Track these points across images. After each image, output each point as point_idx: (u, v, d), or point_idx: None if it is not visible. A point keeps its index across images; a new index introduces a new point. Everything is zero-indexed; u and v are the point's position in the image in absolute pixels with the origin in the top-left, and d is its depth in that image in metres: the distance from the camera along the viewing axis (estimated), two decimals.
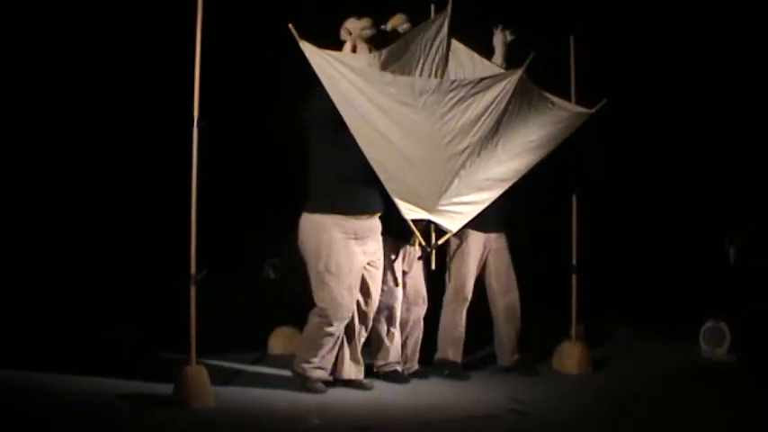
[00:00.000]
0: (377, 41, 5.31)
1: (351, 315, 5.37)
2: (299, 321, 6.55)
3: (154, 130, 6.44)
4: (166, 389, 5.10)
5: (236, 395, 5.31)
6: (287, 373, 5.88)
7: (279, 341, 6.53)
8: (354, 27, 5.33)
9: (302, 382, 5.40)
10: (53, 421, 4.74)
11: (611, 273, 6.55)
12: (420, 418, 5.00)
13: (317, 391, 5.35)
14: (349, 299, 5.32)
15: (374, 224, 5.42)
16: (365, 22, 5.35)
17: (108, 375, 5.52)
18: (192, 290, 5.07)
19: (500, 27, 5.80)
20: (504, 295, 5.97)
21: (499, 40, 5.81)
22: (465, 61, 5.60)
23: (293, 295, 6.66)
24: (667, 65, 6.84)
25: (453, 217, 5.52)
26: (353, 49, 5.35)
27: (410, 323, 5.77)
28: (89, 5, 6.31)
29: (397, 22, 5.46)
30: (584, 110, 5.71)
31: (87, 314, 6.29)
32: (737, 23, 6.20)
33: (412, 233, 5.44)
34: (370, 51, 5.27)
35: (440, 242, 5.60)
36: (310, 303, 5.39)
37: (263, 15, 6.66)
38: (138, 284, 6.41)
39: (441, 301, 5.96)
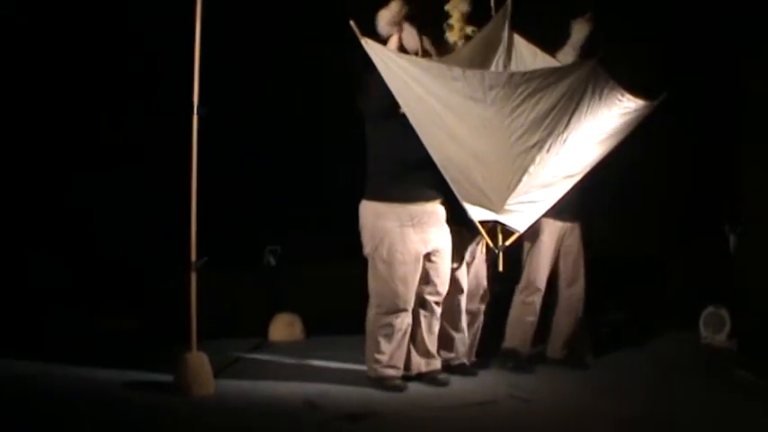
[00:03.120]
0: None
1: (407, 307, 5.23)
2: (298, 308, 6.59)
3: (154, 118, 6.43)
4: (167, 376, 5.12)
5: (236, 382, 5.32)
6: (287, 359, 5.91)
7: (279, 328, 6.55)
8: (389, 16, 5.09)
9: (378, 383, 5.24)
10: (54, 410, 4.76)
11: (611, 259, 6.53)
12: (420, 404, 5.01)
13: (395, 389, 5.21)
14: (403, 289, 5.19)
15: (433, 210, 5.27)
16: (395, 6, 5.11)
17: (109, 363, 5.54)
18: (193, 277, 5.08)
19: (587, 16, 5.62)
20: (570, 287, 5.85)
21: (578, 28, 5.62)
22: (527, 57, 5.50)
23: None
24: (669, 54, 6.82)
25: (521, 216, 5.35)
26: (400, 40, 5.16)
27: (470, 315, 5.66)
28: None
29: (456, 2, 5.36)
30: (646, 102, 5.48)
31: (88, 302, 6.29)
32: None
33: (474, 222, 5.27)
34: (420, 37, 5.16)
35: (508, 243, 5.45)
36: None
37: (263, 1, 6.67)
38: (139, 272, 6.42)
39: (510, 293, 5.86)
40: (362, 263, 5.34)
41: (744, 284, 5.80)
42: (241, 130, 6.75)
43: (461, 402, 5.04)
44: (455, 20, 5.44)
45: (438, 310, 5.39)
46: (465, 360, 5.63)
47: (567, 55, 5.61)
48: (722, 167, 6.63)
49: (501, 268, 5.52)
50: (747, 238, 5.95)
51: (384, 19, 5.11)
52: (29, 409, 4.74)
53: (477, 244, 5.60)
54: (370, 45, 4.90)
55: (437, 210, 5.30)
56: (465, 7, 5.44)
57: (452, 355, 5.59)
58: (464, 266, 5.56)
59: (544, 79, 5.00)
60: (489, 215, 5.26)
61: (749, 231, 5.85)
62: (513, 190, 5.21)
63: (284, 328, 6.54)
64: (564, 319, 5.88)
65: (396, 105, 5.04)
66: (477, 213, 5.22)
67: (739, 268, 6.01)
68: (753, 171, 5.63)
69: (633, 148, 5.62)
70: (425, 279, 5.31)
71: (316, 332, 6.57)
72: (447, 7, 5.48)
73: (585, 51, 5.55)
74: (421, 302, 5.35)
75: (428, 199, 5.26)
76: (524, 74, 5.06)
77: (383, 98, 5.02)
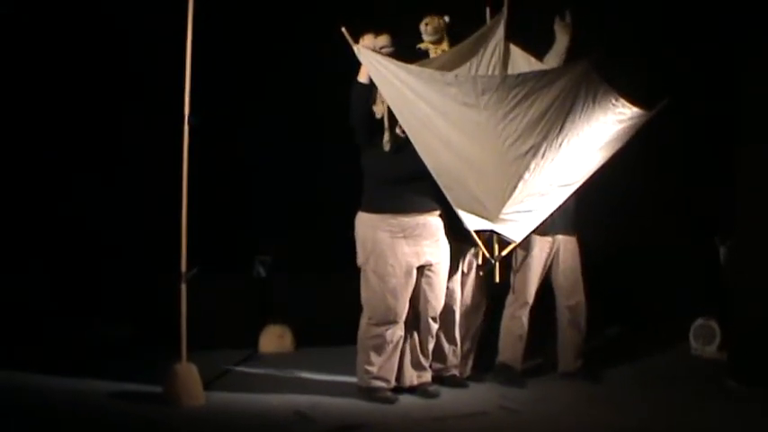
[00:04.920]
0: (396, 58, 5.10)
1: (398, 320, 5.22)
2: (289, 320, 6.57)
3: (145, 127, 6.41)
4: (156, 387, 5.09)
5: (226, 393, 5.30)
6: (277, 371, 5.89)
7: (269, 340, 6.52)
8: (372, 45, 5.10)
9: (367, 394, 5.24)
10: (43, 420, 4.72)
11: (602, 270, 6.53)
12: (410, 415, 5.00)
13: (384, 401, 5.19)
14: (393, 302, 5.18)
15: (426, 222, 5.26)
16: (383, 39, 5.18)
17: (98, 374, 5.51)
18: (183, 288, 5.06)
19: (566, 20, 5.55)
20: (568, 299, 5.80)
21: (559, 34, 5.57)
22: (522, 66, 5.47)
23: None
24: (664, 63, 6.85)
25: (517, 226, 5.30)
26: None
27: (466, 326, 5.66)
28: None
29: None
30: (643, 111, 5.42)
31: (77, 313, 6.26)
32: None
33: (471, 234, 5.25)
34: None
35: (503, 253, 5.41)
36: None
37: (254, 9, 6.66)
38: (129, 283, 6.39)
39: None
40: (354, 274, 5.34)
41: (733, 295, 5.81)
42: (232, 138, 6.73)
43: (452, 414, 5.03)
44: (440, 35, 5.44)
45: (433, 325, 5.36)
46: (456, 371, 5.62)
47: (550, 63, 5.59)
48: (714, 178, 6.64)
49: (498, 279, 5.51)
50: (737, 249, 5.95)
51: (365, 42, 5.10)
52: (17, 418, 4.70)
53: (474, 255, 5.58)
54: (362, 52, 4.91)
55: (431, 221, 5.29)
56: (444, 21, 5.43)
57: (443, 366, 5.58)
58: (459, 277, 5.55)
59: (537, 82, 4.98)
60: (485, 224, 5.23)
61: (739, 242, 5.86)
62: (509, 198, 5.17)
63: (274, 339, 6.52)
64: (568, 332, 5.85)
65: (371, 133, 5.14)
66: (472, 222, 5.19)
67: (729, 279, 6.02)
68: (746, 176, 5.63)
69: (625, 158, 5.61)
70: (420, 293, 5.30)
71: (306, 344, 6.55)
72: (424, 27, 5.44)
73: (571, 56, 5.52)
74: (415, 316, 5.33)
75: (421, 210, 5.25)
76: (517, 77, 5.05)
77: (360, 127, 5.15)
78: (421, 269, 5.28)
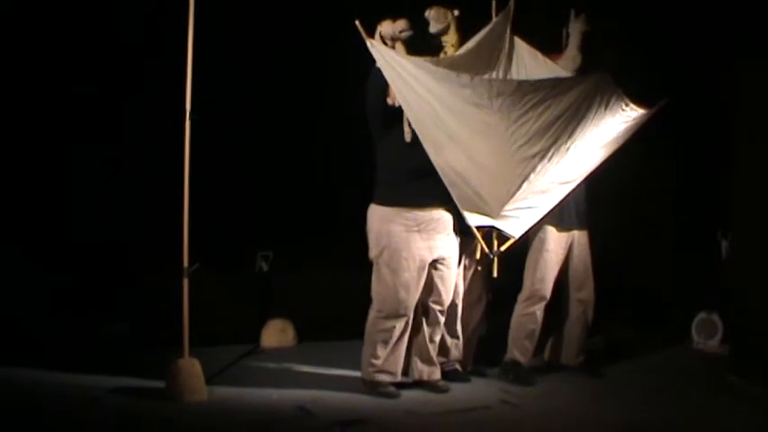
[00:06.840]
0: (415, 43, 5.12)
1: (408, 313, 5.22)
2: (290, 314, 6.58)
3: (146, 124, 6.41)
4: (159, 382, 5.10)
5: (228, 388, 5.30)
6: (279, 366, 5.90)
7: (271, 334, 6.53)
8: (392, 30, 5.11)
9: (371, 387, 5.26)
10: (44, 416, 4.73)
11: (603, 264, 6.53)
12: (413, 410, 5.01)
13: (387, 395, 5.20)
14: (405, 295, 5.17)
15: (440, 217, 5.25)
16: (402, 23, 5.15)
17: (100, 370, 5.51)
18: (185, 283, 5.06)
19: (579, 14, 5.56)
20: (579, 292, 5.81)
21: (576, 27, 5.57)
22: (528, 60, 5.46)
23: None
24: (664, 59, 6.84)
25: (517, 222, 5.29)
26: None
27: (468, 320, 5.65)
28: None
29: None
30: (644, 110, 5.41)
31: (79, 308, 6.26)
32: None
33: (470, 227, 5.23)
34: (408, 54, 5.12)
35: (503, 249, 5.40)
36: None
37: (257, 6, 6.66)
38: (130, 278, 6.39)
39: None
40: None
41: (735, 290, 5.81)
42: (235, 133, 6.73)
43: (454, 408, 5.04)
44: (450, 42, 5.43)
45: (442, 318, 5.37)
46: (458, 365, 5.62)
47: (569, 58, 5.58)
48: (715, 173, 6.63)
49: (495, 274, 5.51)
50: (739, 244, 5.95)
51: (384, 28, 5.11)
52: (17, 415, 4.71)
53: (475, 250, 5.58)
54: (375, 46, 4.89)
55: (444, 216, 5.28)
56: (452, 13, 5.42)
57: (446, 359, 5.58)
58: (462, 271, 5.54)
59: (552, 89, 4.98)
60: (486, 221, 5.23)
61: (741, 236, 5.86)
62: (512, 197, 5.18)
63: (276, 334, 6.52)
64: (576, 325, 5.85)
65: (387, 121, 5.11)
66: (473, 219, 5.18)
67: (731, 274, 6.02)
68: (747, 171, 5.63)
69: (626, 154, 5.61)
70: (430, 287, 5.29)
71: (308, 338, 6.55)
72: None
73: (588, 51, 5.53)
74: (424, 310, 5.33)
75: (435, 205, 5.23)
76: (533, 83, 5.05)
77: (376, 113, 5.11)
78: (433, 263, 5.27)
